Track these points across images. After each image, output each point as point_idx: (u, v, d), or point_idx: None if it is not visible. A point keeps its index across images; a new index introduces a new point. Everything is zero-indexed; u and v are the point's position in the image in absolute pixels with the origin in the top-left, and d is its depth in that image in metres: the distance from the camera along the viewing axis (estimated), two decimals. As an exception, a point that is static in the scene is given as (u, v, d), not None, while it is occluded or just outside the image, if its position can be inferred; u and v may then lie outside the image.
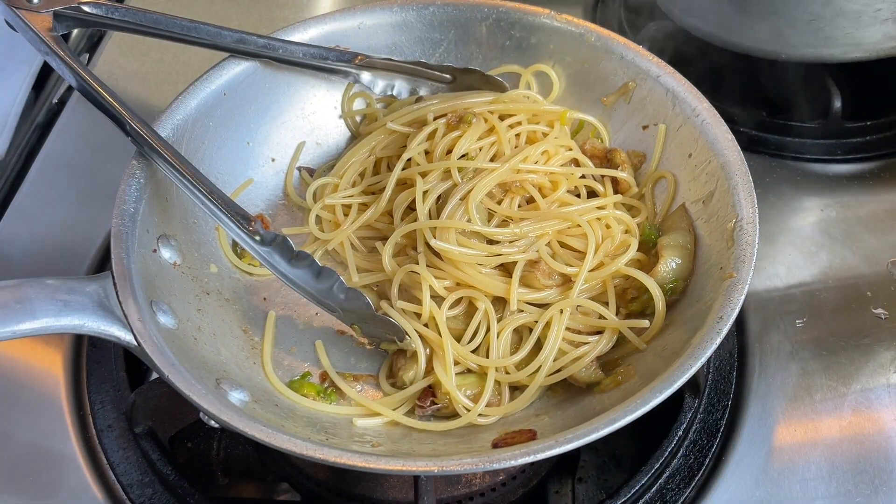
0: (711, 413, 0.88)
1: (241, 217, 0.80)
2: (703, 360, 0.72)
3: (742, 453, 0.86)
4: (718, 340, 0.73)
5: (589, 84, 1.01)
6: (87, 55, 1.30)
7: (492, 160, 0.93)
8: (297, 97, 1.02)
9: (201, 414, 0.72)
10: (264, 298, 0.92)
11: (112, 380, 0.90)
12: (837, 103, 1.11)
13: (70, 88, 1.26)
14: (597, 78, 1.00)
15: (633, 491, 0.82)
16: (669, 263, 0.85)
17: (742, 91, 1.17)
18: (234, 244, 0.94)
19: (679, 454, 0.85)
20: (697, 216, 0.89)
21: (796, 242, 1.03)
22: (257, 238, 0.80)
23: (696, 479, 0.84)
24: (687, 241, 0.87)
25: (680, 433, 0.85)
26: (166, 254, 0.85)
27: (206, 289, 0.88)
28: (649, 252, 0.90)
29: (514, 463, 0.68)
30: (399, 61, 1.01)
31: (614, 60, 0.99)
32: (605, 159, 0.97)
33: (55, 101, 1.27)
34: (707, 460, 0.85)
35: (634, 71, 0.97)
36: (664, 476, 0.84)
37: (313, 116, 1.03)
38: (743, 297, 0.76)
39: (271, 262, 0.81)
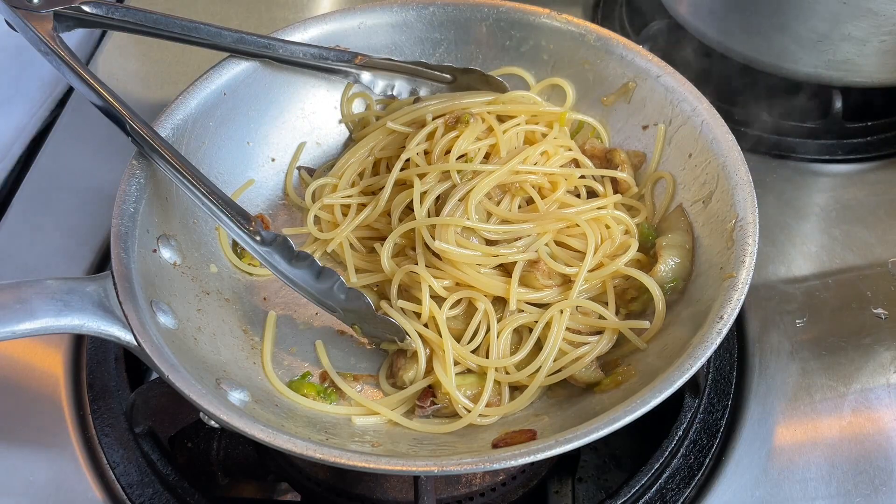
0: (711, 413, 0.88)
1: (241, 217, 0.80)
2: (703, 360, 0.72)
3: (742, 453, 0.86)
4: (718, 340, 0.73)
5: (589, 84, 1.01)
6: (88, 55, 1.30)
7: (490, 161, 0.93)
8: (298, 97, 1.02)
9: (201, 414, 0.72)
10: (264, 298, 0.92)
11: (112, 380, 0.90)
12: (838, 103, 1.11)
13: (70, 88, 1.26)
14: (596, 78, 1.00)
15: (633, 491, 0.81)
16: (668, 263, 0.85)
17: (742, 91, 1.17)
18: (235, 244, 0.93)
19: (679, 454, 0.85)
20: (697, 216, 0.89)
21: (796, 242, 1.03)
22: (257, 238, 0.80)
23: (696, 479, 0.84)
24: (685, 240, 0.87)
25: (680, 433, 0.85)
26: (166, 254, 0.85)
27: (206, 289, 0.88)
28: (648, 252, 0.90)
29: (514, 463, 0.68)
30: (399, 61, 1.01)
31: (614, 60, 0.98)
32: (605, 159, 0.97)
33: (55, 100, 1.27)
34: (707, 460, 0.85)
35: (634, 71, 0.97)
36: (664, 476, 0.84)
37: (313, 116, 1.03)
38: (743, 297, 0.76)
39: (271, 262, 0.81)
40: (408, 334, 0.85)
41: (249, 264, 0.93)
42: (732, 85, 1.17)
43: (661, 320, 0.83)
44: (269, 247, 0.80)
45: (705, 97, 0.93)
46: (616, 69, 0.99)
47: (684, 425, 0.85)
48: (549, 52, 1.02)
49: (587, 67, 1.01)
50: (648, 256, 0.89)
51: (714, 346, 0.72)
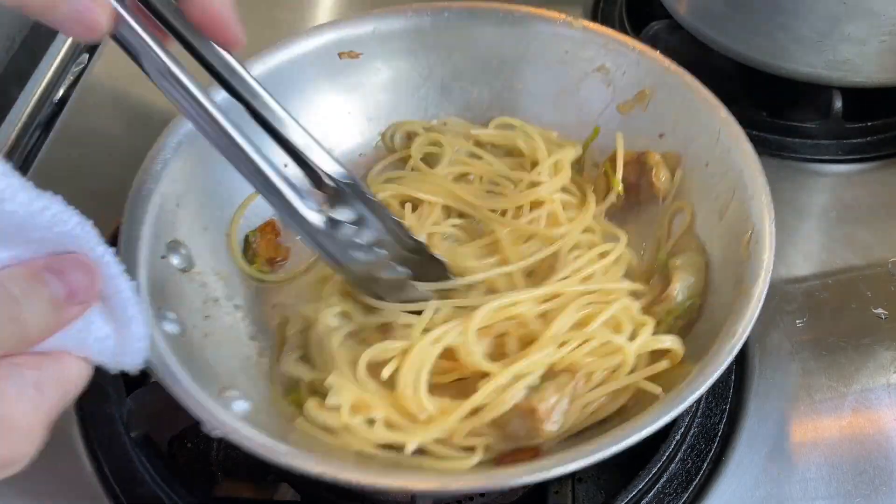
0: (710, 417, 0.88)
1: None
2: (717, 375, 0.70)
3: (742, 454, 0.86)
4: (730, 358, 0.71)
5: (604, 90, 0.99)
6: (87, 55, 1.30)
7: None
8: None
9: (202, 425, 0.71)
10: (273, 306, 0.91)
11: (111, 382, 0.90)
12: (838, 103, 1.11)
13: (70, 88, 1.26)
14: (613, 84, 0.98)
15: (630, 496, 0.82)
16: (684, 281, 0.83)
17: (742, 91, 1.17)
18: (246, 250, 0.93)
19: (676, 458, 0.85)
20: (713, 230, 0.87)
21: (796, 242, 1.03)
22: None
23: (694, 483, 0.84)
24: (699, 259, 0.85)
25: (678, 437, 0.85)
26: (175, 260, 0.84)
27: (215, 295, 0.87)
28: (661, 273, 0.87)
29: (518, 482, 0.67)
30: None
31: (631, 66, 0.97)
32: (638, 162, 0.94)
33: (55, 100, 1.27)
34: (705, 464, 0.85)
35: (653, 77, 0.96)
36: (661, 481, 0.84)
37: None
38: (757, 311, 0.74)
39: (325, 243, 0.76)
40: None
41: (259, 270, 0.93)
42: (732, 85, 1.17)
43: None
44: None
45: (724, 105, 0.91)
46: (633, 75, 0.97)
47: (682, 430, 0.85)
48: (565, 59, 1.00)
49: (603, 73, 0.99)
50: (660, 279, 0.87)
51: (726, 363, 0.71)
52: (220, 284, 0.89)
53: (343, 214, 0.78)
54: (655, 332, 0.81)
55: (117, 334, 0.61)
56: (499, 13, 1.01)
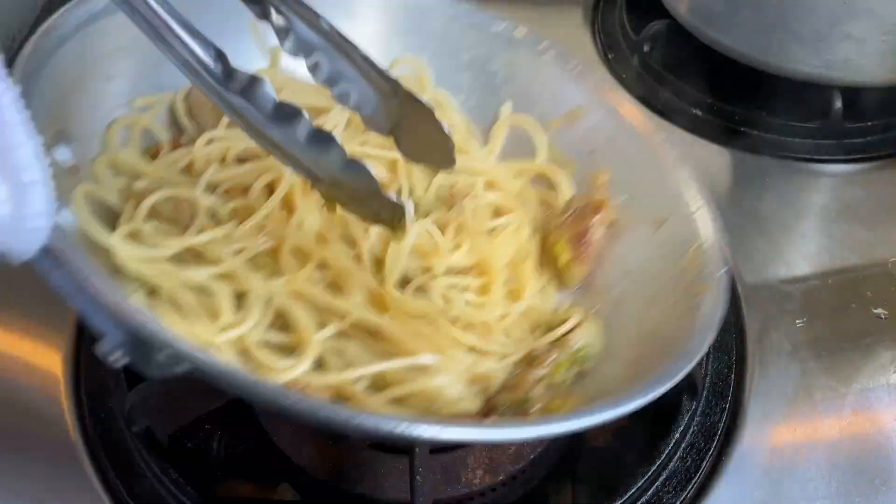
0: (709, 416, 0.88)
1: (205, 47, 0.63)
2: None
3: (742, 454, 0.86)
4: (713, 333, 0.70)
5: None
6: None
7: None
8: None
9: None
10: None
11: (111, 379, 0.90)
12: (838, 103, 1.11)
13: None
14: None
15: (628, 493, 0.82)
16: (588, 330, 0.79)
17: (742, 90, 1.17)
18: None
19: (676, 457, 0.85)
20: (648, 241, 0.84)
21: (796, 242, 1.03)
22: (231, 84, 0.63)
23: (693, 481, 0.84)
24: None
25: (677, 436, 0.85)
26: (62, 156, 0.70)
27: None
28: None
29: (526, 436, 0.64)
30: (350, 43, 0.72)
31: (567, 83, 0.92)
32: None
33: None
34: (704, 463, 0.85)
35: (586, 97, 0.91)
36: (661, 479, 0.84)
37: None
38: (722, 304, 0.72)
39: (243, 116, 0.65)
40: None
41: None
42: (732, 84, 1.17)
43: None
44: (244, 97, 0.63)
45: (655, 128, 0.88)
46: (568, 92, 0.92)
47: (681, 428, 0.85)
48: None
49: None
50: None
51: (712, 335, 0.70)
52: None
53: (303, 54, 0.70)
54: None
55: (10, 203, 0.47)
56: (511, 28, 0.95)
